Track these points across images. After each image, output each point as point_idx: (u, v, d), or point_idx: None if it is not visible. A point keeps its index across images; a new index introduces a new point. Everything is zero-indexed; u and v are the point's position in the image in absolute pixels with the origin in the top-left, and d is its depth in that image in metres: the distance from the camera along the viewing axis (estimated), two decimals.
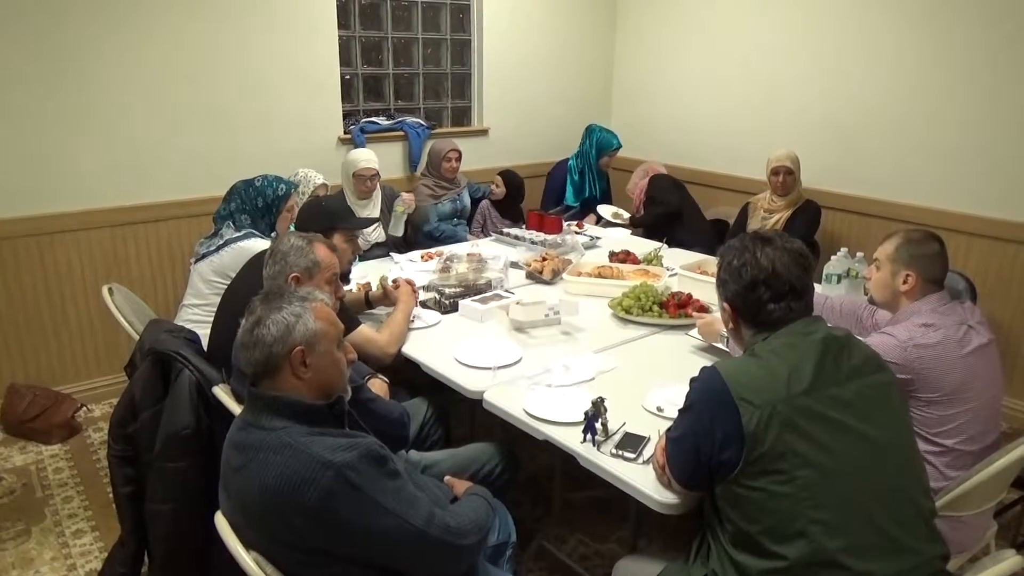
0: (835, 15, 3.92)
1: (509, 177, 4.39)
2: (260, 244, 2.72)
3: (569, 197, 4.66)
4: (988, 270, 3.48)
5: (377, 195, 3.88)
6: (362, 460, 1.35)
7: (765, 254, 1.53)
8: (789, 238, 1.59)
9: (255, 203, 2.83)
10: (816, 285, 2.62)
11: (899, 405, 1.51)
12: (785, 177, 3.74)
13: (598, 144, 4.64)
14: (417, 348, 2.41)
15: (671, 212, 4.11)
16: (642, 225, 4.24)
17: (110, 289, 2.58)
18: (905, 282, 2.00)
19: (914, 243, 2.02)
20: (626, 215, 4.35)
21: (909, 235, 2.05)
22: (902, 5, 3.64)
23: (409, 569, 1.44)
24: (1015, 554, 1.38)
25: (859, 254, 2.94)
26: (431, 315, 2.67)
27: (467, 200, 4.40)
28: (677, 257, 3.45)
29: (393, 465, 1.43)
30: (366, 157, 3.80)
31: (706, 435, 1.42)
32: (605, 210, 4.40)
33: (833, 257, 2.93)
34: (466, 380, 2.16)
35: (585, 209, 4.62)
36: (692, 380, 1.51)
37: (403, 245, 3.95)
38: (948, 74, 3.52)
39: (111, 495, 2.25)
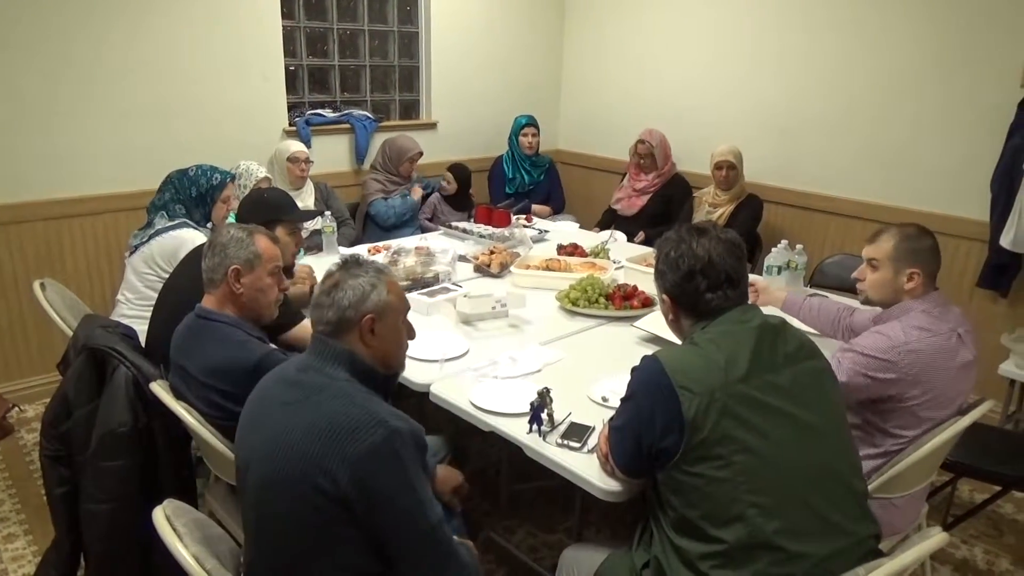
0: (779, 13, 4.00)
1: (459, 171, 4.38)
2: (192, 234, 2.68)
3: (506, 188, 4.70)
4: None
5: (309, 185, 3.84)
6: (410, 436, 1.37)
7: (701, 244, 1.55)
8: (723, 228, 1.62)
9: (189, 193, 2.77)
10: (758, 277, 2.73)
11: (832, 390, 1.55)
12: (728, 172, 3.82)
13: (512, 128, 4.72)
14: None
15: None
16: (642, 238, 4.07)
17: (42, 284, 2.49)
18: (910, 280, 1.92)
19: (913, 238, 1.94)
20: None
21: (904, 231, 1.96)
22: (840, 5, 3.74)
23: (403, 565, 1.40)
24: (941, 531, 1.43)
25: (798, 246, 3.02)
26: None
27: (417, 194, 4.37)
28: (623, 250, 3.49)
29: (425, 460, 1.44)
30: (297, 143, 3.84)
31: (647, 423, 1.44)
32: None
33: (774, 249, 3.00)
34: (413, 373, 2.14)
35: (529, 200, 4.64)
36: (633, 369, 1.53)
37: (352, 239, 3.91)
38: (885, 73, 3.63)
39: (45, 497, 2.18)
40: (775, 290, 2.55)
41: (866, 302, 2.08)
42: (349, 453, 1.31)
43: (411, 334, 1.66)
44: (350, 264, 1.56)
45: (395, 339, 1.58)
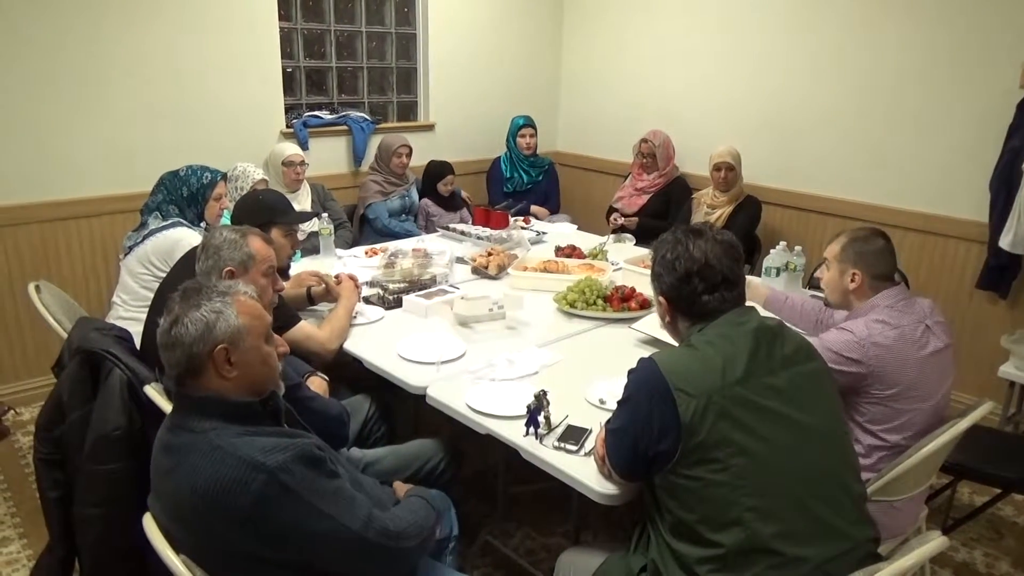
0: (776, 14, 4.00)
1: (436, 168, 4.37)
2: (186, 233, 2.67)
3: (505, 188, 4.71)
4: (920, 263, 3.60)
5: (306, 188, 3.83)
6: (296, 461, 1.30)
7: (697, 246, 1.54)
8: (720, 230, 1.61)
9: (180, 193, 2.77)
10: (756, 279, 2.71)
11: (830, 392, 1.54)
12: (727, 173, 3.81)
13: (510, 129, 4.72)
14: (359, 344, 2.37)
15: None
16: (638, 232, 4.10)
17: (37, 287, 2.48)
18: (852, 280, 1.97)
19: (859, 241, 1.99)
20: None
21: (854, 233, 2.03)
22: (840, 5, 3.73)
23: (348, 573, 1.41)
24: (940, 535, 1.42)
25: (797, 248, 3.01)
26: (374, 311, 2.64)
27: (415, 196, 4.36)
28: (621, 251, 3.48)
29: (331, 466, 1.39)
30: (292, 146, 3.82)
31: (644, 425, 1.43)
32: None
33: (772, 251, 2.99)
34: (409, 376, 2.14)
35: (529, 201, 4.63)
36: (630, 372, 1.52)
37: (350, 241, 3.91)
38: (884, 74, 3.62)
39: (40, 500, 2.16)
40: (757, 286, 2.54)
41: (826, 302, 2.13)
42: (235, 514, 1.25)
43: (280, 350, 1.52)
44: (189, 293, 1.40)
45: (259, 361, 1.42)
